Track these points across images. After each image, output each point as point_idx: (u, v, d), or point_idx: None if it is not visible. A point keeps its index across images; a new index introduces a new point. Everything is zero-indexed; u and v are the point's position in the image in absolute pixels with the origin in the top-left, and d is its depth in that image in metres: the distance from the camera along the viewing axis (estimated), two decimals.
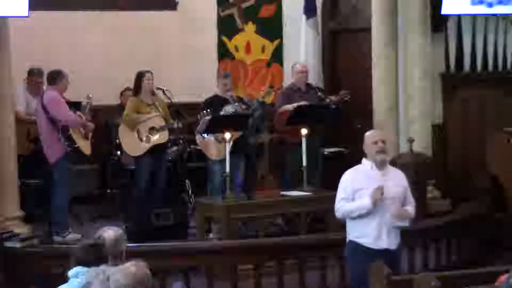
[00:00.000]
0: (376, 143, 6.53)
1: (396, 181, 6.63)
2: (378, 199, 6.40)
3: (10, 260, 7.81)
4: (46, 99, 9.24)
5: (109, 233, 5.29)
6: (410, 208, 6.66)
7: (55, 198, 9.31)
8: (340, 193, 6.61)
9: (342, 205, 6.58)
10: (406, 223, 6.64)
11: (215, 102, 9.86)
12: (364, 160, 6.63)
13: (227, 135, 8.87)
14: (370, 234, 6.53)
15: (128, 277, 4.35)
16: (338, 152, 11.00)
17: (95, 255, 4.88)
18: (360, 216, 6.52)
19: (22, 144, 9.69)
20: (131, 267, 4.42)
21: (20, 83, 10.18)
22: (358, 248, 6.60)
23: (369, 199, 6.40)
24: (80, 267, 4.81)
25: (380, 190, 6.38)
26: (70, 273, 4.84)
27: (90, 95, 9.62)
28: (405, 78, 10.56)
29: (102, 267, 4.59)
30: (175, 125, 9.80)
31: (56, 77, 9.33)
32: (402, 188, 6.65)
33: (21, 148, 9.64)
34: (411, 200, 6.71)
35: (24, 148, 9.75)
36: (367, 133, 6.72)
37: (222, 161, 9.42)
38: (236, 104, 9.88)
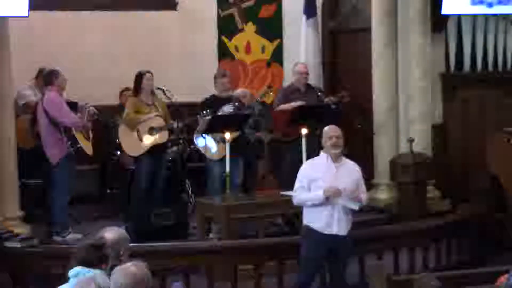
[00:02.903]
0: (331, 138, 7.22)
1: (348, 173, 7.27)
2: (331, 195, 7.05)
3: (10, 260, 7.81)
4: (46, 100, 9.22)
5: (111, 233, 5.29)
6: (363, 195, 7.30)
7: (56, 198, 9.31)
8: (298, 182, 7.30)
9: (298, 194, 7.27)
10: (356, 207, 7.20)
11: (213, 102, 9.86)
12: (321, 153, 7.32)
13: (227, 135, 8.87)
14: (322, 220, 7.19)
15: (128, 277, 4.36)
16: None
17: (96, 255, 4.88)
18: (314, 205, 7.19)
19: (24, 138, 9.67)
20: (131, 267, 4.44)
21: (22, 83, 10.15)
22: (310, 232, 7.26)
23: (322, 193, 7.06)
24: (80, 267, 4.81)
25: (334, 189, 7.05)
26: (71, 273, 4.84)
27: (88, 106, 9.58)
28: (405, 78, 10.57)
29: (95, 273, 4.61)
30: (175, 125, 9.81)
31: (50, 76, 9.30)
32: (353, 180, 7.27)
33: (23, 142, 9.62)
34: (362, 189, 7.36)
35: (26, 142, 9.72)
36: (325, 129, 7.38)
37: (221, 161, 9.44)
38: (237, 104, 9.87)
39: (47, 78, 9.33)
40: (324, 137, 7.30)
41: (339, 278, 7.38)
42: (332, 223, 7.17)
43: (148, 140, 9.61)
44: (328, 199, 7.09)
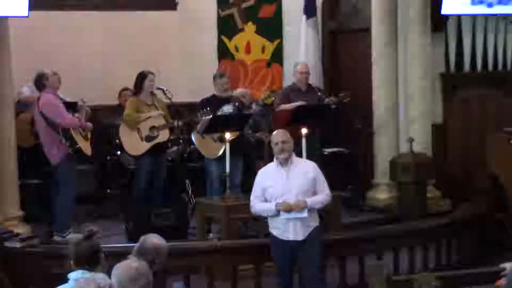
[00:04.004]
0: (277, 144, 7.23)
1: (301, 174, 7.25)
2: (283, 210, 7.11)
3: (10, 260, 7.80)
4: (42, 103, 9.18)
5: (157, 239, 5.37)
6: (321, 196, 7.27)
7: (58, 199, 9.30)
8: (253, 191, 7.39)
9: (253, 204, 7.36)
10: (304, 215, 7.14)
11: (213, 102, 9.86)
12: (274, 159, 7.32)
13: (227, 135, 8.86)
14: (278, 227, 7.28)
15: (130, 272, 4.43)
16: (338, 152, 11.00)
17: (90, 250, 4.90)
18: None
19: (24, 136, 9.67)
20: (133, 263, 4.55)
21: (21, 83, 10.14)
22: (272, 238, 7.37)
23: (273, 207, 7.15)
24: (82, 271, 4.81)
25: (284, 205, 7.09)
26: (72, 275, 4.83)
27: (84, 100, 9.58)
28: (405, 78, 10.57)
29: (93, 274, 4.62)
30: (176, 124, 9.80)
31: (41, 80, 9.26)
32: (309, 180, 7.25)
33: (23, 140, 9.62)
34: (322, 188, 7.30)
35: (26, 140, 9.72)
36: (272, 134, 7.43)
37: (219, 160, 9.44)
38: (237, 104, 9.87)
39: (38, 83, 9.29)
40: (272, 143, 7.33)
41: (314, 282, 7.33)
42: (287, 229, 7.21)
43: (149, 139, 9.63)
44: (279, 212, 7.15)
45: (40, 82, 9.25)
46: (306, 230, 7.24)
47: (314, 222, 7.32)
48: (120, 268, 4.49)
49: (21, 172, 9.47)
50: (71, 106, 9.47)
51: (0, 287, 6.64)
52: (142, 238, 5.36)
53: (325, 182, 7.36)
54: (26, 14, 8.67)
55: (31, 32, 10.64)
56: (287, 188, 7.17)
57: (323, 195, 7.29)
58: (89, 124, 9.52)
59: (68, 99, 9.62)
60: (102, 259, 4.94)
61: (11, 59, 9.33)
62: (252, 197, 7.39)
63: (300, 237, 7.22)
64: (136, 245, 5.31)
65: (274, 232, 7.32)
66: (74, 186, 9.39)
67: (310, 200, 7.18)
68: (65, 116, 9.21)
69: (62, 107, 9.25)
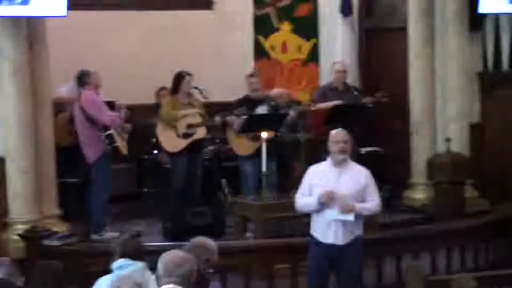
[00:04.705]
0: (338, 143, 7.03)
1: (353, 178, 7.06)
2: (325, 201, 6.90)
3: (49, 258, 7.87)
4: (83, 100, 9.29)
5: (210, 241, 5.50)
6: (370, 204, 7.08)
7: (94, 197, 9.38)
8: (300, 188, 7.23)
9: (297, 199, 7.21)
10: (351, 218, 6.94)
11: (246, 103, 9.88)
12: (328, 158, 7.11)
13: (264, 135, 8.88)
14: (319, 228, 7.10)
15: (176, 257, 4.61)
16: (374, 152, 10.95)
17: (135, 248, 4.99)
18: (312, 212, 7.12)
19: (62, 135, 9.76)
20: (179, 252, 4.76)
21: (57, 83, 10.22)
22: (312, 240, 7.20)
23: (316, 199, 6.95)
24: (123, 259, 4.90)
25: (328, 193, 6.88)
26: (115, 265, 4.93)
27: (124, 107, 9.65)
28: (442, 77, 10.50)
29: (136, 266, 4.70)
30: (214, 122, 9.83)
31: (83, 77, 9.37)
32: (359, 185, 7.06)
33: (60, 139, 9.70)
34: (372, 196, 7.11)
35: (63, 139, 9.80)
36: (332, 133, 7.16)
37: (253, 160, 9.45)
38: (273, 103, 9.88)
39: (80, 79, 9.39)
40: (331, 141, 7.09)
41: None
42: (328, 232, 7.03)
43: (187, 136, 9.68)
44: (323, 205, 6.95)
45: (82, 79, 9.35)
46: (348, 236, 7.05)
47: (358, 231, 7.14)
48: (168, 255, 4.64)
49: (59, 171, 9.55)
50: (110, 106, 9.55)
51: (56, 276, 6.70)
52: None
53: (376, 192, 7.17)
54: (65, 14, 8.67)
55: (67, 31, 10.69)
56: (336, 189, 6.95)
57: (373, 203, 7.11)
58: (128, 125, 9.61)
59: (104, 99, 9.70)
60: (145, 259, 5.04)
61: (49, 58, 9.40)
62: (298, 193, 7.23)
63: (340, 242, 7.03)
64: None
65: (315, 233, 7.16)
66: (110, 184, 9.45)
67: (359, 205, 7.00)
68: (106, 113, 9.30)
69: (103, 105, 9.35)
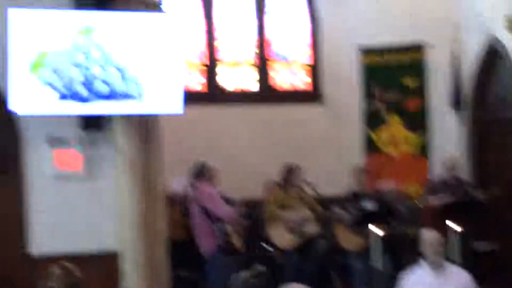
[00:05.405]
0: (432, 244, 6.64)
1: (455, 281, 6.63)
2: None
3: None
4: (200, 193, 9.42)
5: None
6: None
7: None
8: None
9: None
10: None
11: (355, 197, 9.85)
12: (421, 261, 6.70)
13: (374, 230, 8.82)
14: None
15: None
16: (488, 250, 10.65)
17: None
18: None
19: (175, 228, 9.88)
20: None
21: (171, 176, 10.39)
22: None
23: None
24: None
25: None
26: None
27: (239, 202, 9.75)
28: None
29: None
30: (324, 216, 9.82)
31: (201, 170, 9.52)
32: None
33: (174, 232, 9.81)
34: None
35: (177, 232, 9.93)
36: (425, 234, 6.79)
37: (362, 255, 9.36)
38: (383, 198, 9.82)
39: (197, 172, 9.54)
40: (425, 243, 6.77)
41: None
42: None
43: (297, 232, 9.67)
44: None
45: (201, 172, 9.51)
46: None
47: None
48: None
49: (173, 264, 9.63)
50: (226, 200, 9.65)
51: None
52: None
53: None
54: (181, 112, 8.79)
55: (182, 125, 10.91)
56: None
57: None
58: (243, 219, 9.68)
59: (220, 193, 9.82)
60: None
61: (163, 152, 9.58)
62: None
63: None
64: None
65: None
66: (223, 278, 9.46)
67: None
68: (222, 207, 9.39)
69: (219, 198, 9.46)
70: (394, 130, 12.34)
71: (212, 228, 9.33)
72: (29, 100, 7.97)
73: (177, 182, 10.44)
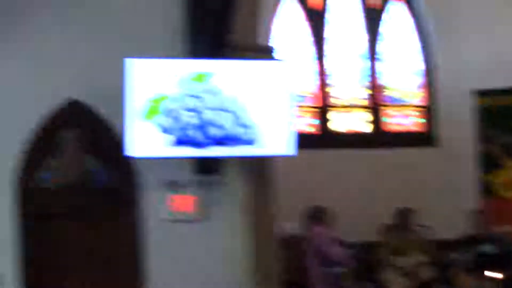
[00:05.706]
0: None
1: None
2: None
3: None
4: (315, 236, 9.44)
5: None
6: None
7: None
8: None
9: None
10: None
11: (472, 241, 9.66)
12: None
13: (492, 275, 8.62)
14: None
15: None
16: None
17: None
18: None
19: (288, 272, 9.87)
20: None
21: (287, 221, 10.42)
22: None
23: None
24: None
25: None
26: None
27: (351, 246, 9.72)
28: None
29: None
30: (440, 260, 9.68)
31: (318, 214, 9.54)
32: None
33: (287, 276, 9.81)
34: None
35: (290, 276, 9.91)
36: None
37: None
38: (501, 242, 9.62)
39: (313, 215, 9.57)
40: None
41: None
42: None
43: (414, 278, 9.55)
44: None
45: (316, 215, 9.54)
46: None
47: None
48: None
49: None
50: (340, 243, 9.63)
51: None
52: None
53: None
54: (294, 154, 8.87)
55: (296, 168, 10.94)
56: None
57: None
58: (353, 262, 9.64)
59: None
60: None
61: (276, 195, 9.62)
62: None
63: None
64: None
65: None
66: None
67: None
68: (337, 250, 9.37)
69: (331, 240, 9.43)
70: (510, 174, 12.07)
71: (325, 271, 9.30)
72: (145, 144, 8.15)
73: (291, 225, 10.47)
